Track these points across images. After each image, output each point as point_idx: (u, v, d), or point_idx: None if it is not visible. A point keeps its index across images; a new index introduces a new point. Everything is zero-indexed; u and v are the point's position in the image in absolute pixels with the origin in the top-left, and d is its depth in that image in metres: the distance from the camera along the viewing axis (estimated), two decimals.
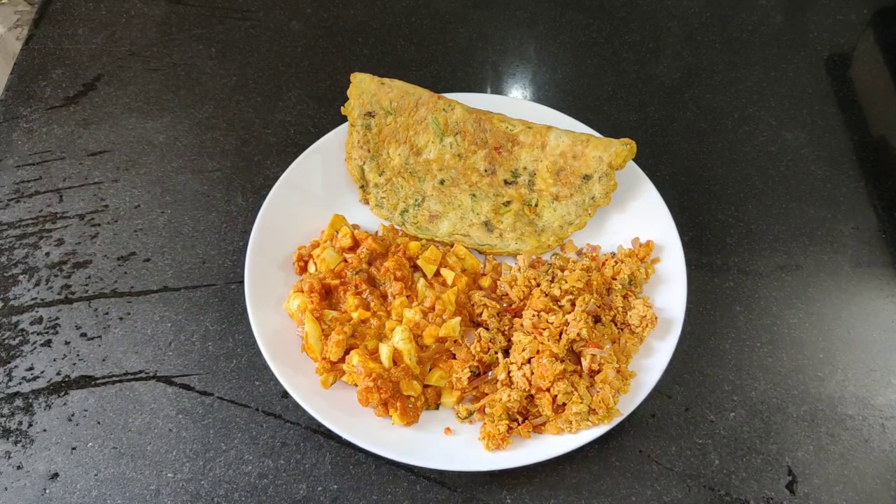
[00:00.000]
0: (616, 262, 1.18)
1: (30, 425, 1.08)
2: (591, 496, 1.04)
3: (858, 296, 1.25)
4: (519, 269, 1.19)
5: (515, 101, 1.41)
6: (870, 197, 1.37)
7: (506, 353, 1.10)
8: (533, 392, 1.05)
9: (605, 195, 1.24)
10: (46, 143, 1.38)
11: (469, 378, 1.06)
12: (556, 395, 1.03)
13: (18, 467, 1.05)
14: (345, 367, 1.06)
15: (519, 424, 1.03)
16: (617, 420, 1.03)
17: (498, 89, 1.51)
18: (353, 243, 1.19)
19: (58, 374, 1.13)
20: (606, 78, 1.53)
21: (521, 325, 1.10)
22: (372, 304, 1.13)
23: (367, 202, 1.28)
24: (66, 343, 1.16)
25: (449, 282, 1.16)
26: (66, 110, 1.43)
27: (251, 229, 1.18)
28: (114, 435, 1.08)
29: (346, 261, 1.18)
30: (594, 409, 1.02)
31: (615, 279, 1.16)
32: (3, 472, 1.04)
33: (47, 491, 1.03)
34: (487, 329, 1.11)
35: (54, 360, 1.14)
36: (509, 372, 1.07)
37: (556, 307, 1.10)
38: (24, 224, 1.28)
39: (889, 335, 1.20)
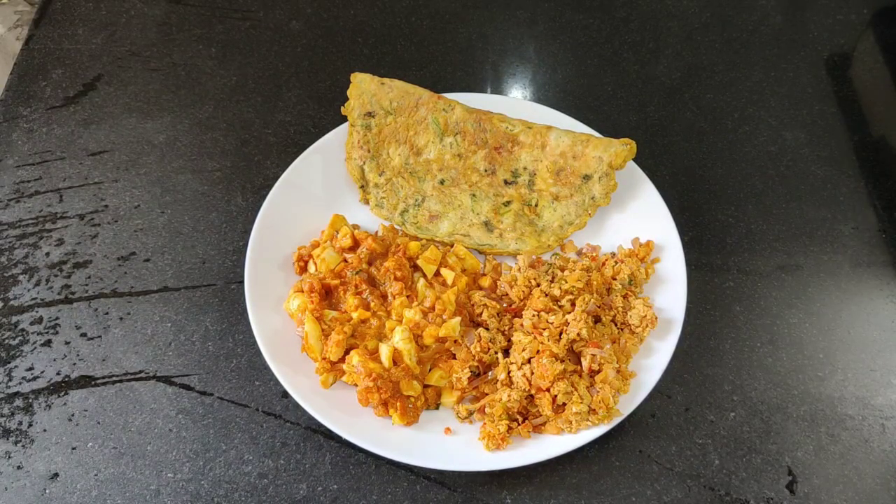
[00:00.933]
0: (616, 262, 1.18)
1: (30, 425, 1.08)
2: (591, 496, 1.04)
3: (858, 296, 1.25)
4: (519, 269, 1.19)
5: (515, 101, 1.41)
6: (870, 197, 1.37)
7: (506, 353, 1.10)
8: (533, 392, 1.05)
9: (605, 195, 1.24)
10: (46, 143, 1.38)
11: (469, 378, 1.06)
12: (556, 395, 1.03)
13: (18, 467, 1.05)
14: (345, 367, 1.06)
15: (519, 424, 1.03)
16: (617, 420, 1.03)
17: (498, 89, 1.51)
18: (353, 243, 1.19)
19: (58, 374, 1.13)
20: (606, 78, 1.53)
21: (521, 325, 1.10)
22: (372, 304, 1.13)
23: (367, 202, 1.28)
24: (66, 343, 1.16)
25: (449, 282, 1.16)
26: (66, 110, 1.43)
27: (251, 229, 1.18)
28: (114, 435, 1.08)
29: (346, 261, 1.18)
30: (594, 409, 1.02)
31: (615, 279, 1.16)
32: (3, 472, 1.04)
33: (47, 491, 1.03)
34: (487, 329, 1.11)
35: (54, 360, 1.14)
36: (509, 372, 1.07)
37: (556, 307, 1.10)
38: (24, 224, 1.29)
39: (889, 335, 1.20)
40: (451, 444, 1.03)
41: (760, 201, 1.35)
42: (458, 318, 1.10)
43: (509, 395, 1.03)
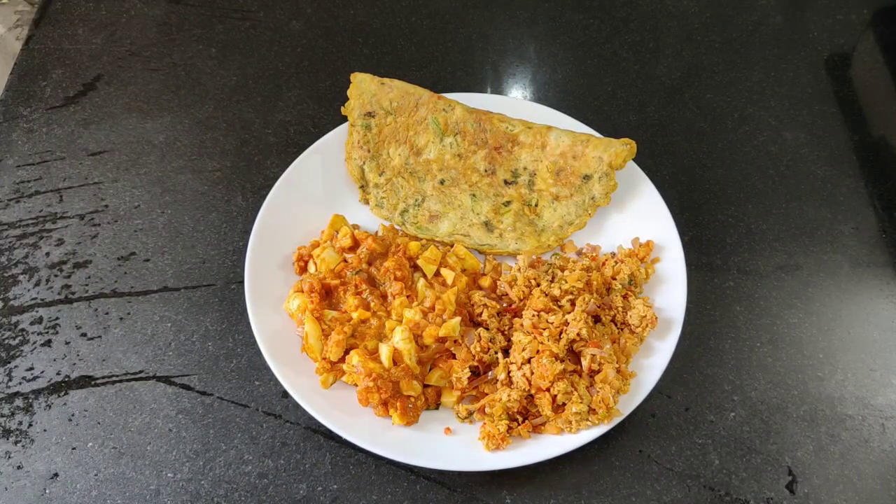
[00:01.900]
0: (616, 262, 1.18)
1: (30, 425, 1.08)
2: (591, 496, 1.04)
3: (858, 296, 1.25)
4: (519, 269, 1.19)
5: (515, 101, 1.41)
6: (870, 197, 1.37)
7: (506, 353, 1.10)
8: (533, 392, 1.05)
9: (605, 195, 1.24)
10: (46, 143, 1.38)
11: (469, 378, 1.06)
12: (555, 395, 1.03)
13: (18, 467, 1.05)
14: (345, 367, 1.06)
15: (519, 424, 1.03)
16: (617, 420, 1.03)
17: (498, 89, 1.51)
18: (353, 243, 1.19)
19: (58, 374, 1.13)
20: (606, 78, 1.53)
21: (521, 325, 1.10)
22: (372, 304, 1.13)
23: (367, 202, 1.28)
24: (66, 343, 1.16)
25: (449, 282, 1.16)
26: (66, 110, 1.43)
27: (251, 229, 1.18)
28: (114, 435, 1.08)
29: (346, 261, 1.18)
30: (594, 409, 1.02)
31: (615, 279, 1.16)
32: (3, 472, 1.04)
33: (47, 491, 1.03)
34: (487, 329, 1.11)
35: (54, 360, 1.14)
36: (509, 372, 1.07)
37: (556, 307, 1.10)
38: (24, 224, 1.28)
39: (889, 335, 1.20)
40: (451, 444, 1.03)
41: (760, 201, 1.35)
42: (458, 318, 1.10)
43: (509, 395, 1.03)
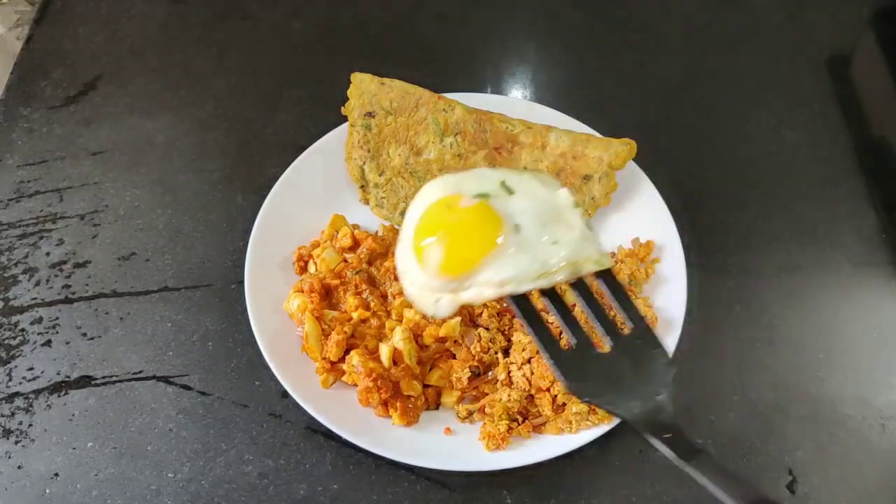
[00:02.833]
0: (616, 262, 1.18)
1: (30, 425, 1.08)
2: (591, 496, 1.04)
3: (858, 296, 1.25)
4: None
5: (515, 101, 1.41)
6: (870, 197, 1.37)
7: (506, 353, 1.10)
8: (533, 392, 1.05)
9: (604, 195, 1.24)
10: (46, 143, 1.38)
11: (469, 378, 1.06)
12: (555, 396, 1.03)
13: (18, 467, 1.05)
14: (345, 367, 1.06)
15: (519, 424, 1.03)
16: (617, 420, 1.03)
17: (498, 89, 1.51)
18: (353, 243, 1.19)
19: (58, 374, 1.13)
20: (606, 78, 1.53)
21: (522, 325, 1.10)
22: (372, 304, 1.13)
23: (367, 202, 1.28)
24: (66, 343, 1.16)
25: None
26: (67, 110, 1.43)
27: (251, 229, 1.18)
28: (114, 435, 1.08)
29: (346, 261, 1.18)
30: (594, 409, 1.02)
31: None
32: (3, 472, 1.04)
33: (47, 491, 1.03)
34: (487, 329, 1.11)
35: (54, 360, 1.14)
36: (509, 372, 1.07)
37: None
38: (24, 224, 1.28)
39: (889, 335, 1.20)
40: (451, 444, 1.03)
41: (760, 201, 1.35)
42: (458, 319, 1.10)
43: (509, 395, 1.03)
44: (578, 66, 1.55)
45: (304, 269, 1.19)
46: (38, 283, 1.22)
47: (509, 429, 1.02)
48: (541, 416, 1.04)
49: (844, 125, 1.46)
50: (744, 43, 1.59)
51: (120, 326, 1.18)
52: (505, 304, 1.14)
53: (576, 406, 1.02)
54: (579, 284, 0.87)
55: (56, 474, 1.04)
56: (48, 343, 1.16)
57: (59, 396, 1.11)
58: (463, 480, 1.04)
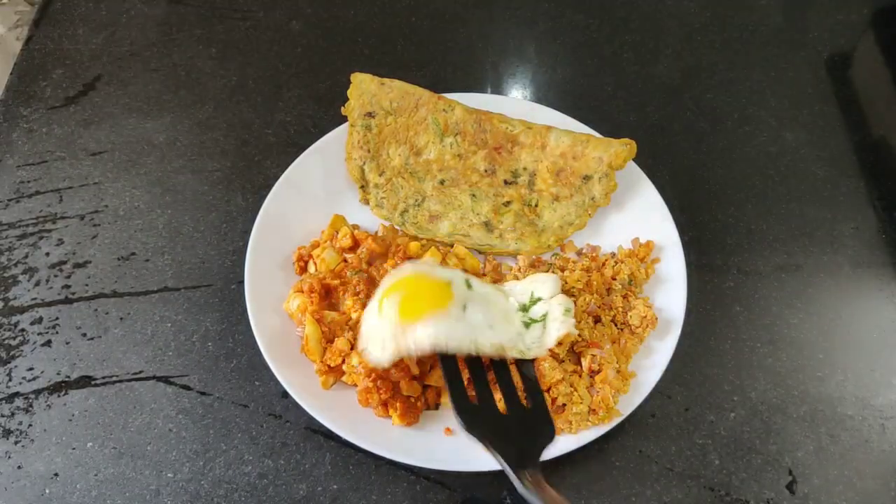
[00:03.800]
0: (616, 262, 1.18)
1: (30, 425, 1.08)
2: (591, 496, 1.04)
3: (858, 296, 1.25)
4: (519, 270, 1.19)
5: (515, 101, 1.41)
6: (870, 197, 1.37)
7: None
8: None
9: (604, 196, 1.24)
10: (46, 143, 1.38)
11: (469, 378, 1.06)
12: (555, 397, 1.03)
13: (18, 467, 1.05)
14: (345, 367, 1.06)
15: None
16: (617, 420, 1.03)
17: (498, 89, 1.51)
18: (353, 243, 1.19)
19: (58, 374, 1.13)
20: (606, 78, 1.53)
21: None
22: None
23: (367, 202, 1.28)
24: (66, 343, 1.16)
25: None
26: (66, 110, 1.43)
27: (251, 229, 1.18)
28: (114, 435, 1.08)
29: (346, 261, 1.18)
30: (594, 410, 1.02)
31: (615, 279, 1.16)
32: (3, 472, 1.04)
33: (47, 491, 1.03)
34: None
35: (54, 360, 1.14)
36: None
37: None
38: (24, 224, 1.28)
39: (889, 335, 1.20)
40: (451, 444, 1.03)
41: (760, 201, 1.35)
42: None
43: None
44: (578, 67, 1.55)
45: (304, 269, 1.19)
46: (38, 283, 1.22)
47: None
48: None
49: (844, 125, 1.46)
50: (744, 43, 1.59)
51: (120, 326, 1.18)
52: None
53: (576, 406, 1.02)
54: (500, 362, 1.05)
55: (56, 474, 1.04)
56: (48, 343, 1.16)
57: (58, 396, 1.11)
58: (463, 480, 1.04)
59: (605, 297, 1.14)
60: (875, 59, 1.57)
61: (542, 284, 1.10)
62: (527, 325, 1.07)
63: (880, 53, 1.58)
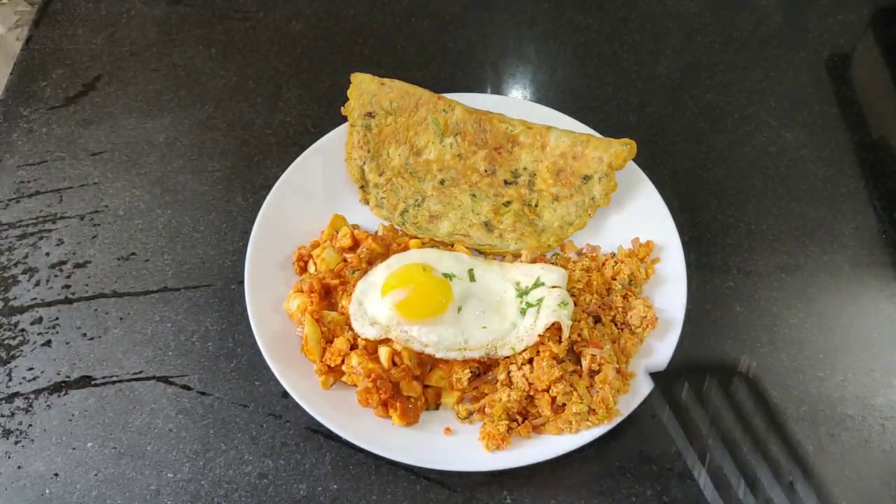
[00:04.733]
0: (616, 262, 1.18)
1: (30, 425, 1.08)
2: (591, 496, 1.04)
3: (858, 296, 1.25)
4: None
5: (515, 101, 1.41)
6: (870, 197, 1.36)
7: None
8: (532, 392, 1.05)
9: (604, 196, 1.24)
10: (46, 143, 1.38)
11: (469, 378, 1.06)
12: (555, 396, 1.03)
13: (18, 467, 1.05)
14: (344, 367, 1.06)
15: (519, 424, 1.03)
16: (617, 420, 1.03)
17: (498, 89, 1.51)
18: (353, 243, 1.19)
19: (58, 374, 1.13)
20: (606, 78, 1.53)
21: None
22: None
23: (367, 202, 1.28)
24: (66, 343, 1.16)
25: None
26: (66, 110, 1.43)
27: (251, 229, 1.18)
28: (114, 435, 1.08)
29: (346, 261, 1.18)
30: (594, 409, 1.02)
31: (615, 279, 1.16)
32: (2, 473, 1.04)
33: (47, 491, 1.03)
34: None
35: (54, 360, 1.14)
36: (509, 372, 1.07)
37: None
38: (24, 224, 1.28)
39: (889, 335, 1.20)
40: (451, 444, 1.03)
41: (760, 201, 1.35)
42: None
43: (509, 396, 1.03)
44: (578, 66, 1.55)
45: (304, 269, 1.19)
46: (38, 283, 1.22)
47: (509, 429, 1.02)
48: (541, 416, 1.04)
49: (844, 125, 1.46)
50: (744, 43, 1.59)
51: (120, 326, 1.18)
52: None
53: (576, 406, 1.02)
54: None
55: (56, 474, 1.04)
56: (48, 343, 1.16)
57: (59, 396, 1.11)
58: (463, 480, 1.04)
59: (605, 297, 1.14)
60: (875, 59, 1.57)
61: (551, 273, 1.12)
62: (522, 311, 1.09)
63: (880, 53, 1.58)
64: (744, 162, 1.41)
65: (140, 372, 1.13)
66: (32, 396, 1.11)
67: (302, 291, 1.12)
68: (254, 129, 1.42)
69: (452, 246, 1.22)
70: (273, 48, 1.54)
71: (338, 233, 1.21)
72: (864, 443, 1.09)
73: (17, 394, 1.11)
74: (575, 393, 1.03)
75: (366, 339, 1.08)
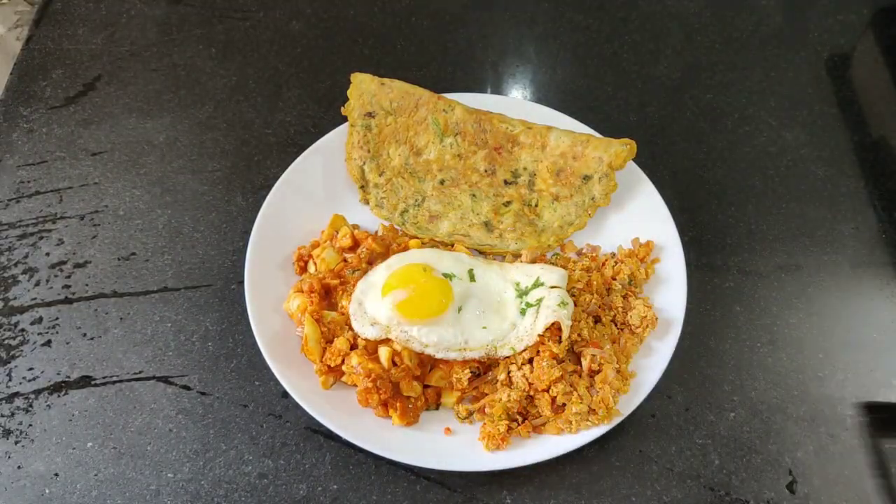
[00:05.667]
0: (616, 262, 1.18)
1: (30, 425, 1.08)
2: (591, 496, 1.04)
3: (858, 296, 1.25)
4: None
5: (515, 101, 1.41)
6: (870, 197, 1.37)
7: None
8: (532, 392, 1.05)
9: (604, 196, 1.24)
10: (46, 143, 1.38)
11: (469, 378, 1.06)
12: (555, 396, 1.03)
13: (18, 467, 1.05)
14: (344, 367, 1.06)
15: (519, 424, 1.03)
16: (617, 420, 1.03)
17: (498, 89, 1.51)
18: (353, 243, 1.19)
19: (58, 374, 1.13)
20: (606, 78, 1.53)
21: None
22: None
23: (367, 202, 1.28)
24: (67, 343, 1.16)
25: None
26: (66, 110, 1.43)
27: (251, 229, 1.18)
28: (114, 435, 1.08)
29: (346, 261, 1.18)
30: (594, 409, 1.02)
31: (615, 279, 1.16)
32: (3, 472, 1.04)
33: (47, 491, 1.03)
34: None
35: (54, 360, 1.14)
36: (509, 372, 1.07)
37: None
38: (24, 224, 1.28)
39: (889, 335, 1.20)
40: (451, 444, 1.03)
41: (760, 201, 1.35)
42: None
43: (509, 396, 1.03)
44: (578, 66, 1.55)
45: (304, 269, 1.19)
46: (38, 283, 1.22)
47: (509, 429, 1.02)
48: (541, 416, 1.04)
49: (844, 125, 1.46)
50: (744, 43, 1.59)
51: (120, 326, 1.18)
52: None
53: (576, 406, 1.02)
54: None
55: (56, 474, 1.04)
56: (48, 343, 1.16)
57: (59, 396, 1.11)
58: (463, 480, 1.04)
59: (605, 297, 1.14)
60: (875, 59, 1.57)
61: (551, 273, 1.12)
62: (522, 311, 1.09)
63: (880, 53, 1.58)
64: (744, 162, 1.41)
65: (140, 372, 1.13)
66: (32, 396, 1.11)
67: (302, 291, 1.12)
68: (254, 129, 1.42)
69: (452, 246, 1.22)
70: (273, 48, 1.54)
71: (338, 233, 1.21)
72: (864, 443, 1.09)
73: (17, 394, 1.11)
74: (575, 393, 1.03)
75: (366, 339, 1.08)
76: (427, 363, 1.08)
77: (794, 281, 1.26)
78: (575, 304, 1.10)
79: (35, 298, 1.20)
